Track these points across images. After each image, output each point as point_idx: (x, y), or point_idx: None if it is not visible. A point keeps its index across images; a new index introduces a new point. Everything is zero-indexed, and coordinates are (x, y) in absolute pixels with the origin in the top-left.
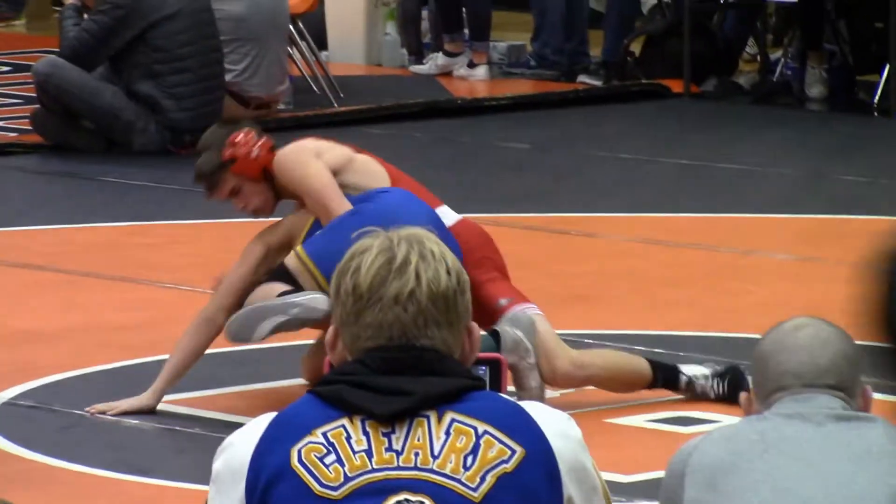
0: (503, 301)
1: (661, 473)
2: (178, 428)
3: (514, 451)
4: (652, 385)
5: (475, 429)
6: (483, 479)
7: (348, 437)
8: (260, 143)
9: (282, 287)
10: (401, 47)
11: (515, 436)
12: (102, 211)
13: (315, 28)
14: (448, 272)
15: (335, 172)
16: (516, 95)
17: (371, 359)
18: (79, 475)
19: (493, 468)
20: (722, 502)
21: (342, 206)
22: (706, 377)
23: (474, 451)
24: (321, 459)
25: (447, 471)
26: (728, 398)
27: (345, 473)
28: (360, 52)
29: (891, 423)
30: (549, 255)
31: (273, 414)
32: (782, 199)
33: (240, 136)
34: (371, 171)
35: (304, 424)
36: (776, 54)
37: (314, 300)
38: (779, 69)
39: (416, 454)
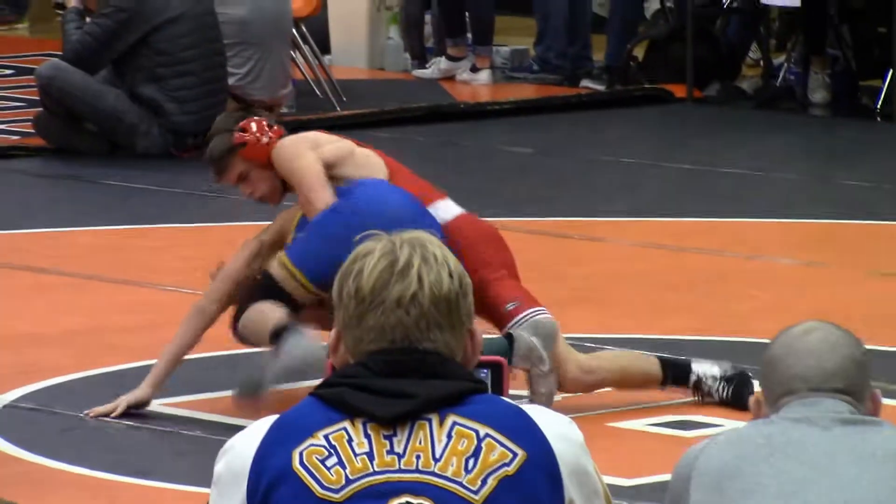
0: (509, 306)
1: (662, 477)
2: (178, 430)
3: (515, 455)
4: (662, 383)
5: (477, 432)
6: (484, 482)
7: (350, 440)
8: (271, 130)
9: (273, 314)
10: (404, 51)
11: (517, 439)
12: (105, 214)
13: (318, 32)
14: (450, 275)
15: (333, 165)
16: (519, 100)
17: (373, 362)
18: (80, 477)
19: (494, 471)
20: None
21: (325, 199)
22: (714, 378)
23: (476, 454)
24: (323, 462)
25: (448, 474)
26: (731, 404)
27: (346, 476)
28: (363, 56)
29: None
30: (551, 259)
31: (275, 416)
32: (785, 204)
33: (251, 122)
34: (371, 164)
35: (305, 427)
36: (779, 59)
37: (306, 355)
38: (782, 74)
39: (418, 457)
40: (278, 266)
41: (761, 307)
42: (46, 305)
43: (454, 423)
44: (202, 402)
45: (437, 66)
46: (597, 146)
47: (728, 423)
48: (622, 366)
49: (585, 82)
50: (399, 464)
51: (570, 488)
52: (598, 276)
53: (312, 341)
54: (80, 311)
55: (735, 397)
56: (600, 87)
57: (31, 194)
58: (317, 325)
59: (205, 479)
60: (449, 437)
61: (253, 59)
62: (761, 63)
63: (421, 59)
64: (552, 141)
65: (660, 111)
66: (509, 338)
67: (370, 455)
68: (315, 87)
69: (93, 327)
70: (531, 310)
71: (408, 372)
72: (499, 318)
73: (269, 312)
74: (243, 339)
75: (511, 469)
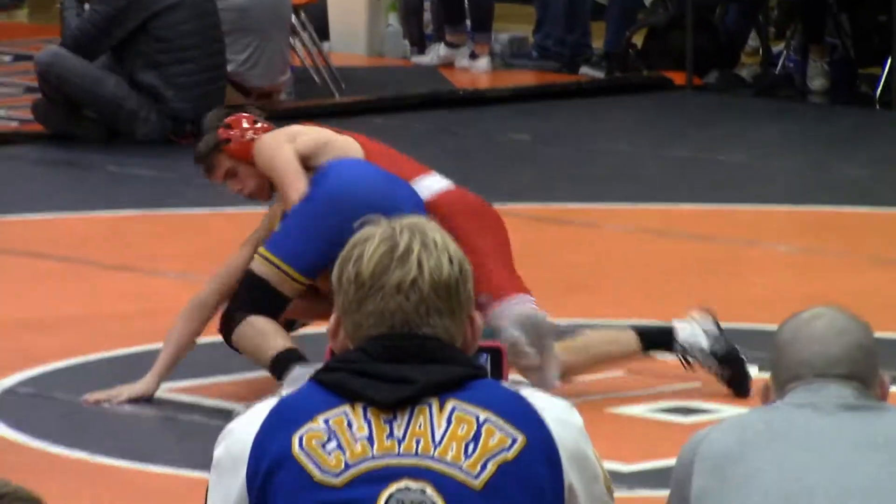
0: (482, 298)
1: (663, 463)
2: (178, 415)
3: (515, 439)
4: (644, 352)
5: (477, 417)
6: (484, 466)
7: (350, 424)
8: (257, 126)
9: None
10: (403, 38)
11: (517, 424)
12: (104, 200)
13: (317, 18)
14: (450, 261)
15: (309, 156)
16: (518, 87)
17: (373, 347)
18: (79, 463)
19: (494, 456)
20: (728, 491)
21: (299, 190)
22: (704, 353)
23: (475, 439)
24: (322, 446)
25: (448, 458)
26: (729, 386)
27: (346, 460)
28: (362, 43)
29: None
30: (550, 246)
31: (274, 401)
32: (784, 191)
33: (236, 118)
34: (348, 151)
35: (305, 411)
36: (778, 47)
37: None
38: (781, 62)
39: (418, 442)
40: (260, 263)
41: (760, 294)
42: (45, 291)
43: (454, 408)
44: (202, 387)
45: (436, 52)
46: (595, 133)
47: (729, 409)
48: (595, 353)
49: (584, 69)
50: (399, 448)
51: (570, 473)
52: (596, 262)
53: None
54: (80, 296)
55: (734, 383)
56: (599, 75)
57: (30, 180)
58: (304, 317)
59: (206, 463)
60: (449, 421)
61: (252, 46)
62: (760, 51)
63: (420, 45)
64: (551, 128)
65: (659, 99)
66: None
67: (370, 439)
68: (314, 74)
69: (91, 313)
70: (508, 300)
71: (407, 357)
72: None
73: (270, 337)
74: (236, 349)
75: (511, 454)
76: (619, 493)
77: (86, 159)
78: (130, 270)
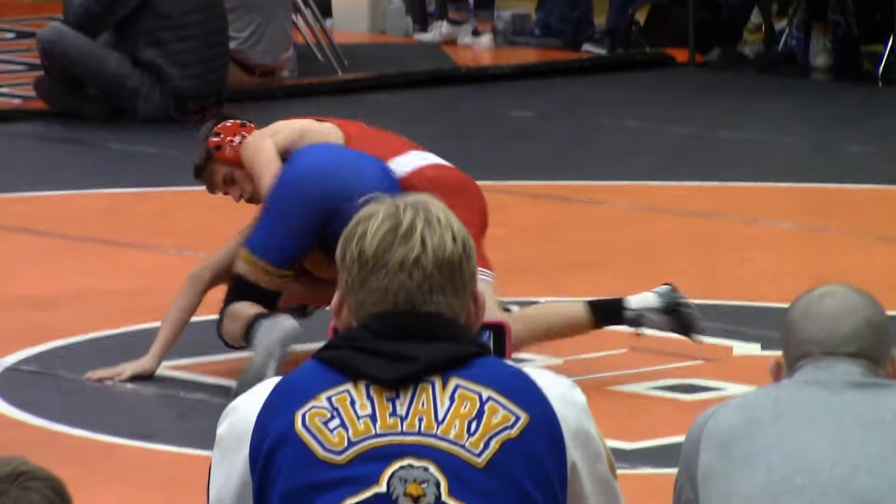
0: None
1: (665, 440)
2: (181, 394)
3: (518, 418)
4: (596, 326)
5: (479, 395)
6: (487, 444)
7: (352, 402)
8: (243, 130)
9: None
10: (405, 15)
11: (520, 402)
12: (106, 177)
13: None
14: (454, 238)
15: (290, 148)
16: (521, 64)
17: (376, 324)
18: (82, 440)
19: (497, 434)
20: (733, 468)
21: (270, 181)
22: (655, 311)
23: (478, 416)
24: (325, 424)
25: (451, 436)
26: (677, 331)
27: (348, 438)
28: (365, 20)
29: None
30: (553, 223)
31: (277, 379)
32: (786, 168)
33: (223, 125)
34: (326, 139)
35: (308, 389)
36: (781, 24)
37: (277, 335)
38: (783, 39)
39: (421, 419)
40: (241, 262)
41: (761, 271)
42: (48, 268)
43: (457, 386)
44: (204, 365)
45: (439, 30)
46: (598, 110)
47: (732, 387)
48: (543, 324)
49: (587, 46)
50: (401, 426)
51: (573, 451)
52: (599, 239)
53: (279, 322)
54: (82, 274)
55: (679, 325)
56: (602, 52)
57: (33, 158)
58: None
59: (208, 441)
60: (452, 399)
61: (254, 23)
62: (763, 28)
63: (422, 23)
64: (553, 105)
65: (661, 76)
66: None
67: (373, 417)
68: (316, 51)
69: (94, 290)
70: None
71: (410, 335)
72: None
73: (241, 312)
74: (226, 343)
75: (513, 432)
76: (622, 471)
77: (88, 137)
78: (133, 247)
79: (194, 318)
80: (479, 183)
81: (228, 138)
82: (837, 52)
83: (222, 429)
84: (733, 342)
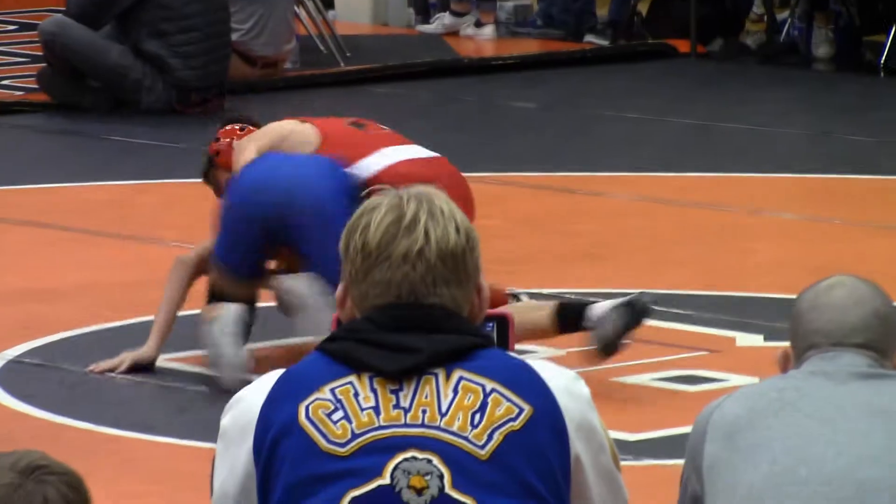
0: None
1: (668, 431)
2: (183, 386)
3: (521, 410)
4: (560, 332)
5: (483, 387)
6: (490, 436)
7: (356, 394)
8: (242, 133)
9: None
10: (407, 6)
11: (523, 394)
12: (108, 169)
13: None
14: (457, 230)
15: (279, 150)
16: (523, 55)
17: (379, 316)
18: (85, 433)
19: (500, 426)
20: (738, 459)
21: None
22: (613, 309)
23: (482, 408)
24: (329, 416)
25: (454, 428)
26: (625, 329)
27: (352, 430)
28: (367, 12)
29: None
30: (555, 214)
31: (281, 371)
32: (788, 159)
33: (224, 129)
34: (303, 143)
35: (312, 381)
36: (783, 15)
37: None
38: (785, 29)
39: (424, 411)
40: (213, 271)
41: (764, 262)
42: (50, 261)
43: (460, 378)
44: (206, 358)
45: (441, 21)
46: (600, 101)
47: (736, 378)
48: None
49: (589, 37)
50: (405, 418)
51: (577, 443)
52: (601, 231)
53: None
54: (84, 266)
55: (631, 315)
56: (604, 43)
57: (35, 150)
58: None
59: (210, 434)
60: (455, 391)
61: (256, 15)
62: (765, 18)
63: (425, 14)
64: (556, 96)
65: (663, 66)
66: None
67: (376, 409)
68: (319, 43)
69: (96, 283)
70: None
71: (414, 327)
72: None
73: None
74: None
75: (517, 424)
76: (625, 462)
77: (90, 128)
78: (135, 240)
79: (196, 311)
80: (480, 174)
81: (227, 142)
82: (839, 42)
83: (226, 420)
84: (736, 333)
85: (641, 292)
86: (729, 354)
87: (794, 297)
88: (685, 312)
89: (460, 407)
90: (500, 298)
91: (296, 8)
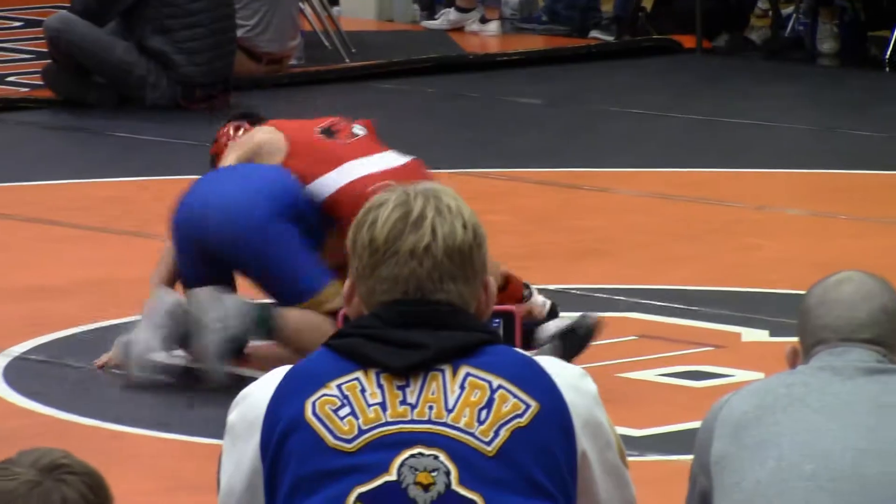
0: None
1: (673, 427)
2: (189, 382)
3: (528, 406)
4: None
5: (490, 383)
6: (497, 433)
7: (363, 390)
8: (237, 133)
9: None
10: (413, 2)
11: (530, 390)
12: (113, 166)
13: None
14: (464, 226)
15: (251, 160)
16: (528, 51)
17: (386, 312)
18: (91, 429)
19: (507, 422)
20: (745, 455)
21: None
22: (556, 335)
23: (488, 405)
24: (335, 412)
25: (461, 425)
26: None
27: (359, 426)
28: (372, 8)
29: None
30: (560, 210)
31: (288, 367)
32: (794, 154)
33: (222, 130)
34: (274, 149)
35: (318, 377)
36: (788, 10)
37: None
38: (790, 24)
39: (431, 408)
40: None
41: (769, 258)
42: (55, 257)
43: (467, 374)
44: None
45: (446, 17)
46: (605, 97)
47: (742, 373)
48: None
49: (594, 33)
50: (412, 414)
51: (583, 440)
52: (607, 226)
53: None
54: (90, 262)
55: (565, 352)
56: (609, 38)
57: (40, 146)
58: None
59: (218, 430)
60: (462, 387)
61: (261, 11)
62: (770, 14)
63: (430, 10)
64: (561, 92)
65: (668, 62)
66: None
67: (383, 405)
68: (324, 39)
69: (102, 279)
70: None
71: (420, 323)
72: None
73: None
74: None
75: (524, 420)
76: (631, 458)
77: (95, 125)
78: (140, 236)
79: None
80: (486, 170)
81: (224, 142)
82: (845, 37)
83: (233, 416)
84: (741, 329)
85: (584, 315)
86: (734, 350)
87: (799, 292)
88: (690, 308)
89: (467, 403)
90: (517, 288)
91: (301, 4)
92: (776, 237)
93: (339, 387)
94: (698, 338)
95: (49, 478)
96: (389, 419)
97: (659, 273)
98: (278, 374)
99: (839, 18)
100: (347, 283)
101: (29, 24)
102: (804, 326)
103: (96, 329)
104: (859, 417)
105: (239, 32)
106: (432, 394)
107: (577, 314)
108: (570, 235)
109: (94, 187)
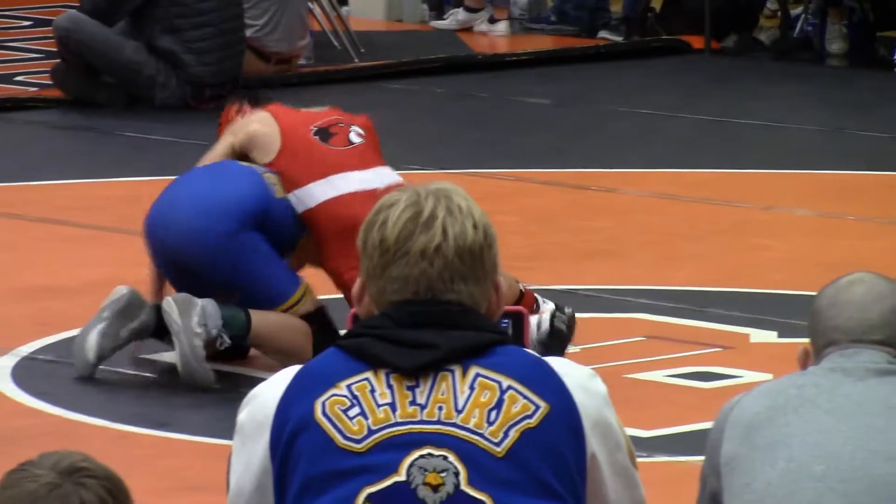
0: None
1: (682, 428)
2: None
3: (538, 407)
4: None
5: (499, 383)
6: (506, 434)
7: (372, 390)
8: (237, 115)
9: None
10: (422, 2)
11: (540, 391)
12: (122, 165)
13: None
14: (475, 227)
15: (246, 149)
16: (537, 51)
17: (396, 313)
18: (98, 429)
19: (516, 423)
20: (756, 455)
21: None
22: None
23: (498, 405)
24: (345, 412)
25: (471, 425)
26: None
27: (368, 426)
28: (381, 8)
29: None
30: (568, 211)
31: (298, 366)
32: (802, 155)
33: (225, 111)
34: (264, 147)
35: (328, 377)
36: (797, 10)
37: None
38: (799, 25)
39: (440, 408)
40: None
41: (777, 258)
42: (64, 257)
43: (477, 375)
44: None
45: (455, 17)
46: (614, 97)
47: (750, 374)
48: None
49: (603, 33)
50: (421, 415)
51: (593, 441)
52: (615, 227)
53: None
54: (98, 262)
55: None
56: (618, 39)
57: (49, 146)
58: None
59: (225, 430)
60: (471, 388)
61: (271, 11)
62: (779, 14)
63: (439, 10)
64: (569, 92)
65: (677, 62)
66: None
67: (392, 406)
68: (333, 39)
69: (111, 279)
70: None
71: (431, 323)
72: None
73: None
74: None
75: (533, 421)
76: (640, 459)
77: (104, 125)
78: None
79: None
80: (494, 171)
81: (224, 120)
82: (853, 37)
83: (243, 416)
84: (750, 329)
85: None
86: (743, 351)
87: (807, 293)
88: (699, 309)
89: (476, 404)
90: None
91: (310, 4)
92: (784, 238)
93: (348, 387)
94: (706, 339)
95: (69, 480)
96: (399, 420)
97: (667, 274)
98: (288, 373)
99: (848, 19)
100: (358, 282)
101: (38, 23)
102: (815, 327)
103: None
104: (870, 419)
105: (248, 32)
106: (442, 394)
107: (548, 310)
108: (578, 236)
109: (102, 187)
